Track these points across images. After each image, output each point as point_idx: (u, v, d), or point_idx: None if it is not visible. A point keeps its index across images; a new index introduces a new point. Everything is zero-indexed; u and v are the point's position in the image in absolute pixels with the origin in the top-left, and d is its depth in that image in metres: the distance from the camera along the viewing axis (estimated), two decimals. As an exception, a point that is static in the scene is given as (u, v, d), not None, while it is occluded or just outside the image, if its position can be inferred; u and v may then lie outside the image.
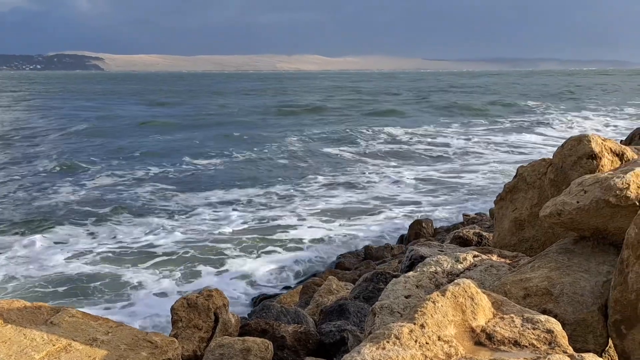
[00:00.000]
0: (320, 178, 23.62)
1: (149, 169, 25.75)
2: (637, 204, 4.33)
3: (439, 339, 2.98)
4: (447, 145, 33.47)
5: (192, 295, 6.51)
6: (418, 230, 14.85)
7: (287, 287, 12.07)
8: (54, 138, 37.64)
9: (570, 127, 43.65)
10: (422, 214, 17.50)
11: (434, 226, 15.21)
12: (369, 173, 24.75)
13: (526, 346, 3.13)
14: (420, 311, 3.14)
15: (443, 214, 17.68)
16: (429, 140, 35.86)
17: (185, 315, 6.31)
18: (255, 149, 31.83)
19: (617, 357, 4.02)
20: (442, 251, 6.50)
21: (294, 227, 16.52)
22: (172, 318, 6.36)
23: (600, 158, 5.68)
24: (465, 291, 3.32)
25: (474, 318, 3.24)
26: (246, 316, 8.77)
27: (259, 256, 14.12)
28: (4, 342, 4.06)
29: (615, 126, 44.21)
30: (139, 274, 12.88)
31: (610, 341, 4.11)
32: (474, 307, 3.27)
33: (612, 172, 4.69)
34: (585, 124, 45.70)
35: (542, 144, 34.03)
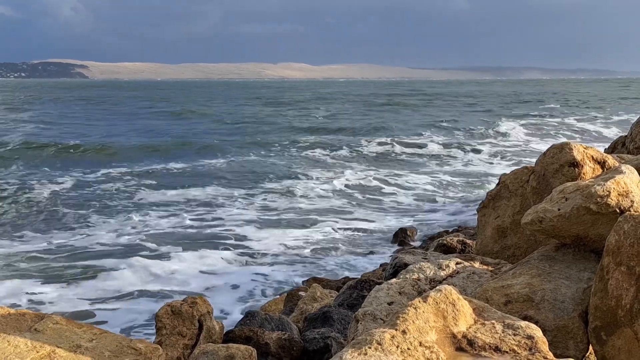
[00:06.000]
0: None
1: None
2: (618, 211, 4.39)
3: (421, 344, 3.01)
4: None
5: (176, 302, 6.50)
6: (402, 238, 14.92)
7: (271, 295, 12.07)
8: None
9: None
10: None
11: (418, 234, 15.28)
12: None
13: (507, 352, 3.16)
14: (402, 317, 3.17)
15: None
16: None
17: (170, 322, 6.30)
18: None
19: (597, 363, 4.06)
20: (426, 258, 6.54)
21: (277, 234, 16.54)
22: (156, 325, 6.35)
23: (582, 166, 5.74)
24: (447, 297, 3.35)
25: (456, 324, 3.27)
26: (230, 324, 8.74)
27: (243, 264, 14.11)
28: (-13, 348, 4.06)
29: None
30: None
31: (590, 347, 4.15)
32: (455, 313, 3.30)
33: (593, 180, 4.74)
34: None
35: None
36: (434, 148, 35.82)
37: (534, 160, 6.46)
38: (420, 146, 36.68)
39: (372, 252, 14.57)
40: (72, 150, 34.23)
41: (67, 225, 17.73)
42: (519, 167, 6.73)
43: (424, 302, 3.29)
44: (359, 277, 10.20)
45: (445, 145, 36.73)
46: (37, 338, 4.31)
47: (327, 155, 33.31)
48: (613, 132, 42.13)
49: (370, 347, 2.94)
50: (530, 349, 3.19)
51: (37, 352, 4.15)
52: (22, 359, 4.06)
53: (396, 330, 3.09)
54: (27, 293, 12.14)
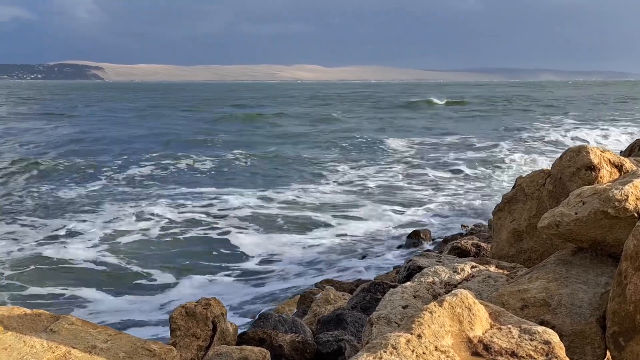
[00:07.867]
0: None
1: None
2: (636, 215, 4.34)
3: (436, 349, 2.98)
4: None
5: (190, 303, 6.50)
6: (416, 241, 14.88)
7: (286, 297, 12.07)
8: None
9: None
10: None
11: (432, 237, 15.23)
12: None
13: (523, 357, 3.13)
14: (418, 321, 3.14)
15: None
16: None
17: (184, 323, 6.31)
18: None
19: (614, 369, 4.02)
20: (440, 262, 6.51)
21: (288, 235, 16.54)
22: (170, 326, 6.36)
23: (599, 169, 5.69)
24: (463, 302, 3.32)
25: (471, 328, 3.25)
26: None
27: (256, 265, 14.11)
28: (5, 349, 4.07)
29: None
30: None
31: (608, 353, 4.11)
32: (471, 318, 3.28)
33: (610, 184, 4.70)
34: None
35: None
36: (453, 150, 35.70)
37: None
38: (439, 149, 36.60)
39: (385, 255, 14.53)
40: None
41: (80, 228, 17.77)
42: (536, 170, 6.68)
43: (440, 306, 3.27)
44: (372, 279, 10.19)
45: (461, 148, 36.61)
46: (53, 338, 4.33)
47: (342, 155, 33.28)
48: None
49: (385, 351, 2.92)
50: (547, 355, 3.16)
51: (53, 352, 4.16)
52: (38, 359, 4.07)
53: (411, 334, 3.07)
54: (42, 296, 12.21)
